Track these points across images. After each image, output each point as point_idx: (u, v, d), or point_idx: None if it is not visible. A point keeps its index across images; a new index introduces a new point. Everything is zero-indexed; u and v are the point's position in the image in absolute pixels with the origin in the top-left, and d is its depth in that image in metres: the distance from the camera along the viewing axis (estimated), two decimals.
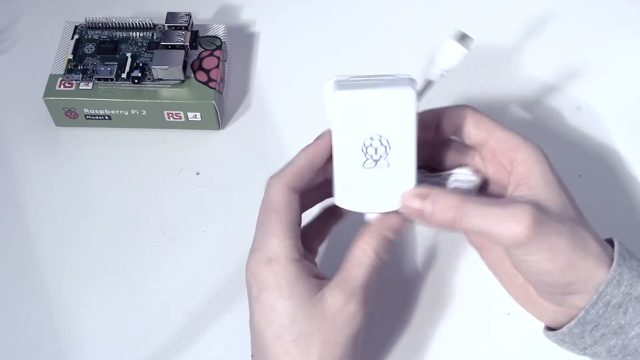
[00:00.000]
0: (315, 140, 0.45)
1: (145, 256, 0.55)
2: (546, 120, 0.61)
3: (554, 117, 0.61)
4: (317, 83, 0.64)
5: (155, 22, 0.62)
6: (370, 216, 0.45)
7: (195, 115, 0.59)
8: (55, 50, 0.62)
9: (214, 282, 0.53)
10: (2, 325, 0.52)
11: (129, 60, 0.60)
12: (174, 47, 0.60)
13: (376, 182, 0.43)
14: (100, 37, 0.62)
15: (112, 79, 0.59)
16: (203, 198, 0.58)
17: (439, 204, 0.42)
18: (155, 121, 0.60)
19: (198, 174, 0.59)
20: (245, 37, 0.68)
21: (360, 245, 0.44)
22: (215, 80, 0.59)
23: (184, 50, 0.60)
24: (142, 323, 0.52)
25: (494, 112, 0.61)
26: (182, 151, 0.60)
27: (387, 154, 0.42)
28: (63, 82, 0.59)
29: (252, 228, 0.55)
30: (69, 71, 0.60)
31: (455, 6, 0.69)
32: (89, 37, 0.62)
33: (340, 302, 0.42)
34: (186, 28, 0.62)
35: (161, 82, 0.59)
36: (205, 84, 0.59)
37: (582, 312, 0.42)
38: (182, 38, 0.60)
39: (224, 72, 0.63)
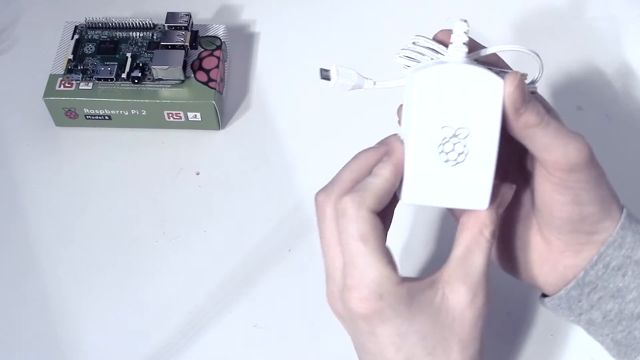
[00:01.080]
0: (389, 154, 0.41)
1: (145, 256, 0.55)
2: None
3: None
4: (317, 83, 0.64)
5: (155, 22, 0.62)
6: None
7: (195, 115, 0.59)
8: (55, 50, 0.62)
9: (214, 282, 0.53)
10: (2, 326, 0.52)
11: (129, 60, 0.60)
12: (174, 47, 0.60)
13: (451, 178, 0.39)
14: (100, 37, 0.62)
15: (112, 79, 0.59)
16: (203, 198, 0.58)
17: (531, 104, 0.39)
18: (155, 121, 0.60)
19: (198, 174, 0.59)
20: (245, 37, 0.68)
21: (475, 227, 0.41)
22: (215, 80, 0.59)
23: (184, 50, 0.60)
24: (142, 323, 0.52)
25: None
26: (182, 151, 0.60)
27: (466, 148, 0.39)
28: (63, 82, 0.59)
29: (252, 228, 0.56)
30: (69, 71, 0.60)
31: (455, 6, 0.69)
32: (89, 37, 0.62)
33: (466, 298, 0.40)
34: (186, 28, 0.61)
35: (161, 82, 0.59)
36: (205, 84, 0.59)
37: (582, 272, 0.42)
38: (182, 38, 0.60)
39: (224, 72, 0.63)
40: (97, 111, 0.59)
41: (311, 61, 0.66)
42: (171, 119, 0.60)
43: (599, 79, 0.63)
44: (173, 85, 0.59)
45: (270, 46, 0.67)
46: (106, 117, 0.60)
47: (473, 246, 0.41)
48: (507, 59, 0.43)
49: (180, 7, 0.63)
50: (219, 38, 0.62)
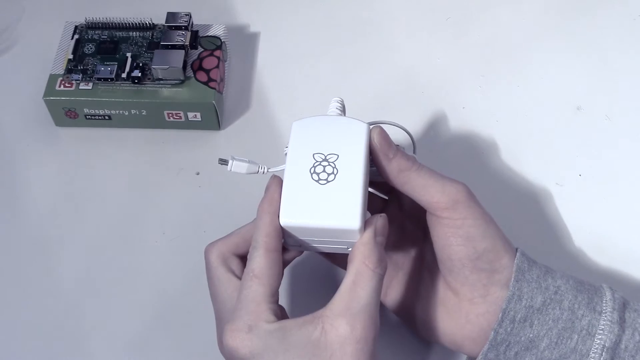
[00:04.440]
0: (265, 191, 0.45)
1: (145, 256, 0.55)
2: (546, 120, 0.61)
3: (554, 117, 0.61)
4: (317, 83, 0.64)
5: (156, 22, 0.62)
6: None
7: (195, 115, 0.59)
8: (55, 50, 0.61)
9: None
10: (0, 326, 0.52)
11: (129, 60, 0.60)
12: (174, 47, 0.60)
13: (323, 197, 0.42)
14: (100, 37, 0.62)
15: (112, 79, 0.59)
16: (203, 198, 0.58)
17: (400, 152, 0.44)
18: (155, 121, 0.60)
19: (198, 174, 0.59)
20: (245, 37, 0.68)
21: (358, 258, 0.41)
22: (215, 80, 0.59)
23: (184, 50, 0.60)
24: (141, 323, 0.52)
25: (494, 113, 0.62)
26: (182, 151, 0.60)
27: (335, 170, 0.43)
28: (63, 82, 0.59)
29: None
30: (69, 71, 0.60)
31: (455, 6, 0.69)
32: (89, 37, 0.62)
33: (345, 331, 0.39)
34: (186, 28, 0.61)
35: (161, 82, 0.59)
36: (205, 84, 0.59)
37: (492, 333, 0.43)
38: (182, 38, 0.60)
39: (224, 72, 0.63)
40: (97, 111, 0.59)
41: (311, 61, 0.66)
42: (171, 119, 0.60)
43: (599, 79, 0.63)
44: (173, 85, 0.59)
45: (270, 46, 0.67)
46: (106, 117, 0.60)
47: (358, 279, 0.41)
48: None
49: (180, 7, 0.63)
50: (219, 38, 0.62)
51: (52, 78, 0.60)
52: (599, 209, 0.57)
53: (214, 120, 0.60)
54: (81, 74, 0.60)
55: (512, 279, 0.43)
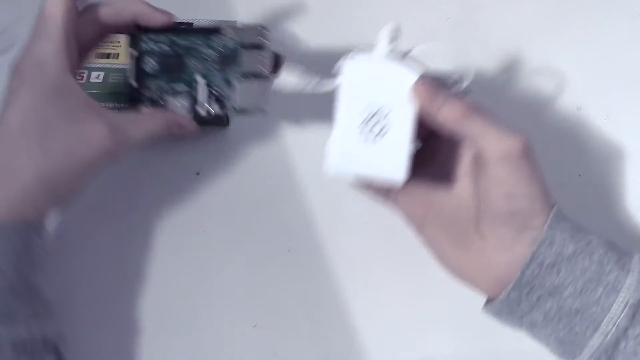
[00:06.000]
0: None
1: (145, 256, 0.55)
2: (546, 120, 0.61)
3: (554, 117, 0.61)
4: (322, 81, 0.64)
5: (219, 24, 0.53)
6: None
7: None
8: None
9: (214, 282, 0.54)
10: None
11: (203, 87, 0.51)
12: (254, 74, 0.51)
13: (371, 151, 0.45)
14: (160, 47, 0.52)
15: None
16: (203, 198, 0.58)
17: (450, 100, 0.45)
18: None
19: (198, 174, 0.59)
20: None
21: (150, 116, 0.49)
22: None
23: (269, 80, 0.51)
24: (141, 323, 0.52)
25: (494, 112, 0.61)
26: (183, 151, 0.60)
27: (386, 125, 0.45)
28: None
29: (253, 228, 0.56)
30: (133, 99, 0.51)
31: (455, 6, 0.69)
32: (147, 45, 0.51)
33: (103, 134, 0.46)
34: (263, 47, 0.52)
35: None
36: None
37: (518, 273, 0.44)
38: (263, 65, 0.51)
39: None
40: (105, 104, 0.58)
41: (315, 60, 0.66)
42: None
43: (599, 79, 0.64)
44: None
45: (276, 44, 0.67)
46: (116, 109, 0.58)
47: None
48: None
49: (182, 6, 0.63)
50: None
51: None
52: (599, 209, 0.57)
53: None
54: (150, 103, 0.52)
55: (546, 225, 0.44)
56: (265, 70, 0.51)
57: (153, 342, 0.51)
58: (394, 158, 0.46)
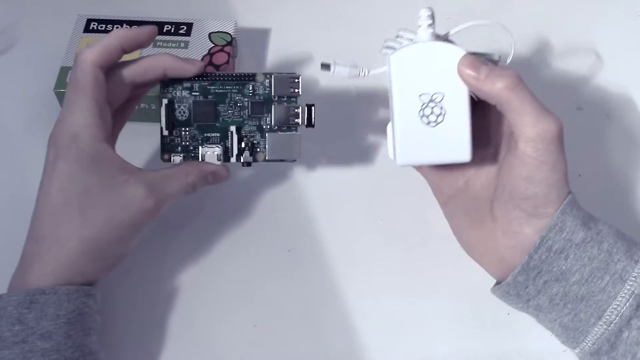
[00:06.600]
0: (132, 27, 0.49)
1: (145, 256, 0.55)
2: None
3: None
4: (324, 80, 0.64)
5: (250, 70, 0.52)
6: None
7: None
8: (67, 43, 0.61)
9: (214, 282, 0.54)
10: None
11: (235, 137, 0.51)
12: (287, 125, 0.51)
13: (434, 137, 0.46)
14: (192, 92, 0.51)
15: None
16: (203, 198, 0.58)
17: (498, 70, 0.45)
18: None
19: None
20: (255, 33, 0.68)
21: (184, 169, 0.49)
22: None
23: (301, 134, 0.51)
24: (140, 323, 0.53)
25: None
26: None
27: (443, 110, 0.46)
28: None
29: (253, 229, 0.56)
30: (165, 149, 0.51)
31: (455, 6, 0.68)
32: (179, 91, 0.51)
33: (142, 195, 0.46)
34: (295, 97, 0.51)
35: None
36: None
37: (526, 257, 0.44)
38: (296, 116, 0.51)
39: (234, 68, 0.63)
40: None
41: (321, 57, 0.66)
42: None
43: (599, 79, 0.64)
44: None
45: (281, 42, 0.67)
46: None
47: (175, 178, 0.49)
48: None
49: (188, 6, 0.62)
50: (230, 34, 0.62)
51: (63, 70, 0.59)
52: (599, 208, 0.57)
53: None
54: (182, 154, 0.51)
55: (558, 211, 0.44)
56: (298, 122, 0.51)
57: (153, 342, 0.52)
58: (456, 140, 0.46)
